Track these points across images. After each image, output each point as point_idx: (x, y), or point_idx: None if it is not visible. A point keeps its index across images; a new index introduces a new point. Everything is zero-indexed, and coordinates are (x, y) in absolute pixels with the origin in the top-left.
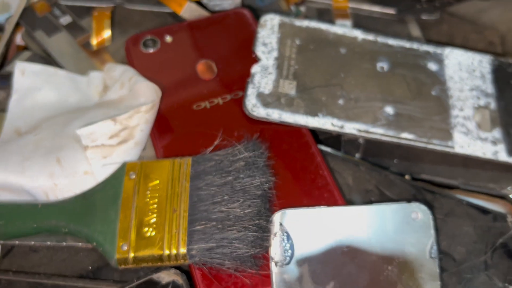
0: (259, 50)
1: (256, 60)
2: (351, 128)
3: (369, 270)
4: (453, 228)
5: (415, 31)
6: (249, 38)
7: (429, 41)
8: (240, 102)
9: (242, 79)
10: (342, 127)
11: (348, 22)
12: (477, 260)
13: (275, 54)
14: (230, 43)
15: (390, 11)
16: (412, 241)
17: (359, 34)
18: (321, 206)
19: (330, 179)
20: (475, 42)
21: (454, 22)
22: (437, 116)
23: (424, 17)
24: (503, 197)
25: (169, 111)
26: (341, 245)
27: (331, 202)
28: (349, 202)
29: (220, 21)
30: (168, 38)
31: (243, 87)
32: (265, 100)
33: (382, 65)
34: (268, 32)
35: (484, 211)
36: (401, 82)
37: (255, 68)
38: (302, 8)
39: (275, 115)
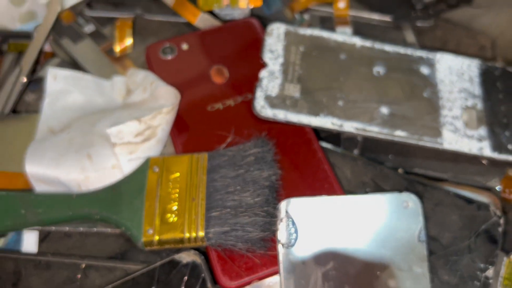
0: (267, 57)
1: (263, 65)
2: (349, 126)
3: (365, 252)
4: (441, 216)
5: (410, 37)
6: (257, 45)
7: (422, 47)
8: (249, 103)
9: (251, 83)
10: (341, 125)
11: (348, 29)
12: (462, 245)
13: (281, 60)
14: (240, 50)
15: (387, 18)
16: (403, 227)
17: (357, 41)
18: (322, 196)
19: (330, 172)
20: (467, 47)
21: (448, 28)
22: (428, 116)
23: (419, 24)
24: (489, 189)
25: (186, 112)
26: (339, 229)
27: (331, 192)
28: (347, 193)
29: (231, 30)
30: (185, 46)
31: (252, 90)
32: (272, 102)
33: (379, 69)
34: (275, 40)
35: (469, 201)
36: (395, 85)
37: (262, 73)
38: (306, 16)
39: (281, 115)
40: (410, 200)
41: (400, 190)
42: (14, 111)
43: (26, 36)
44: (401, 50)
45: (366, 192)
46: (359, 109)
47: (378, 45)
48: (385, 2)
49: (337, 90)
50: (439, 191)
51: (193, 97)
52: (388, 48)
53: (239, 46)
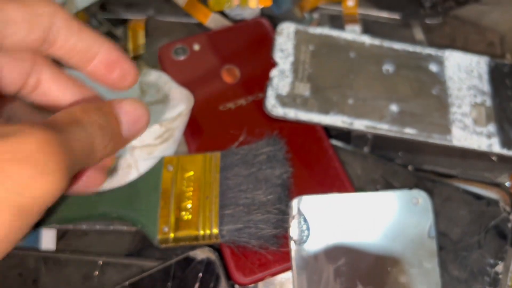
0: (277, 56)
1: (274, 65)
2: (359, 124)
3: (376, 248)
4: (450, 212)
5: (419, 34)
6: (268, 45)
7: (431, 44)
8: (261, 102)
9: (262, 82)
10: (351, 123)
11: (357, 27)
12: (471, 240)
13: (291, 59)
14: (251, 50)
15: (396, 16)
16: (413, 223)
17: (366, 40)
18: (334, 193)
19: (341, 170)
20: (476, 43)
21: (456, 25)
22: (437, 113)
23: (427, 21)
24: (497, 185)
25: (199, 112)
26: (350, 226)
27: (342, 189)
28: (358, 190)
29: (242, 30)
30: (196, 46)
31: (263, 89)
32: (282, 100)
33: (388, 67)
34: (285, 39)
35: (478, 197)
36: (404, 82)
37: (273, 72)
38: (315, 15)
39: (292, 114)
40: (420, 197)
41: (410, 186)
42: None
43: None
44: (410, 48)
45: (376, 189)
46: (369, 107)
47: (387, 44)
48: (393, 0)
49: (347, 88)
50: (448, 187)
51: (205, 97)
52: (397, 46)
53: (250, 45)
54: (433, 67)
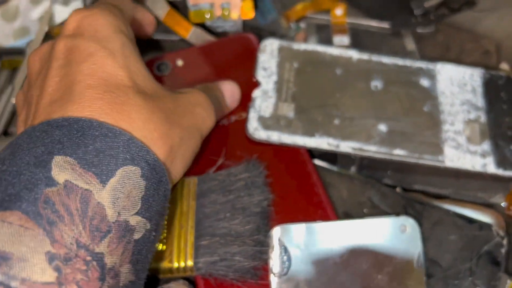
0: (260, 75)
1: (257, 84)
2: (346, 147)
3: (361, 278)
4: (440, 236)
5: (410, 44)
6: (253, 61)
7: (423, 53)
8: (243, 123)
9: (246, 101)
10: (337, 146)
11: (346, 38)
12: (462, 267)
13: (274, 78)
14: (236, 66)
15: (386, 25)
16: (401, 252)
17: (354, 54)
18: (316, 221)
19: (324, 196)
20: (471, 52)
21: (450, 33)
22: (428, 131)
23: (419, 30)
24: (492, 206)
25: None
26: (334, 256)
27: (324, 218)
28: (343, 214)
29: (227, 46)
30: (179, 62)
31: (246, 109)
32: (265, 123)
33: (376, 83)
34: (268, 56)
35: (470, 220)
36: (394, 99)
37: (256, 93)
38: (302, 25)
39: (275, 137)
40: (408, 224)
41: (398, 210)
42: (6, 133)
43: (20, 52)
44: (400, 61)
45: (363, 213)
46: (356, 127)
47: (375, 58)
48: (383, 8)
49: (333, 107)
50: (438, 210)
51: None
52: (386, 60)
53: (234, 62)
54: (424, 82)
